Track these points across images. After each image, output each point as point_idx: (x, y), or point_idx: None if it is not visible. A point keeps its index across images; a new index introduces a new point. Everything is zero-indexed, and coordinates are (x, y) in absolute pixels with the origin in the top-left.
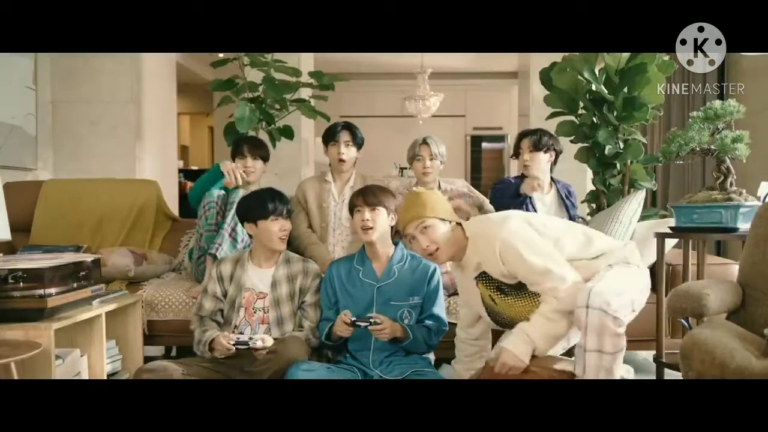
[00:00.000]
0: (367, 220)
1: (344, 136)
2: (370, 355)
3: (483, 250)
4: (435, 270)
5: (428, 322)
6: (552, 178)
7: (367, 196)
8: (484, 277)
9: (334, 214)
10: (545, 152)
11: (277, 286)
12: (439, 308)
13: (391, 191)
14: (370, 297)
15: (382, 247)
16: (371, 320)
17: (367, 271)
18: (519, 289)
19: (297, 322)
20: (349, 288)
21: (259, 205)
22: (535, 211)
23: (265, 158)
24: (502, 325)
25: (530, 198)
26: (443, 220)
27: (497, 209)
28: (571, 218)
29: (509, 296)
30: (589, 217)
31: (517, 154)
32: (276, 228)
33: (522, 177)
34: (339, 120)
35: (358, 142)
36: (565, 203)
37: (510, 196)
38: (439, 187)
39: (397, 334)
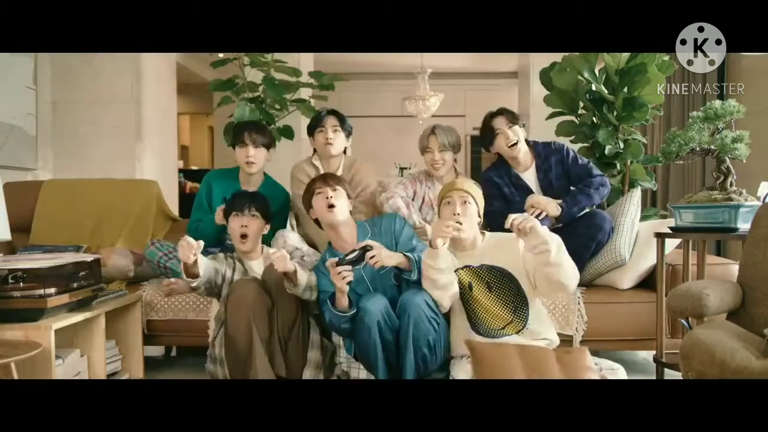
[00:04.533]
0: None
1: (331, 121)
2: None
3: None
4: (397, 217)
5: (412, 255)
6: (531, 148)
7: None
8: (473, 268)
9: None
10: (521, 126)
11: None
12: (416, 241)
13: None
14: (359, 276)
15: (347, 229)
16: (364, 248)
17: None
18: (505, 290)
19: None
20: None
21: (229, 202)
22: (532, 191)
23: (268, 146)
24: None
25: (523, 181)
26: (479, 214)
27: (494, 200)
28: (572, 182)
29: (492, 292)
30: None
31: (490, 139)
32: (236, 225)
33: (502, 161)
34: None
35: (346, 129)
36: (555, 171)
37: (507, 185)
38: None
39: (399, 261)
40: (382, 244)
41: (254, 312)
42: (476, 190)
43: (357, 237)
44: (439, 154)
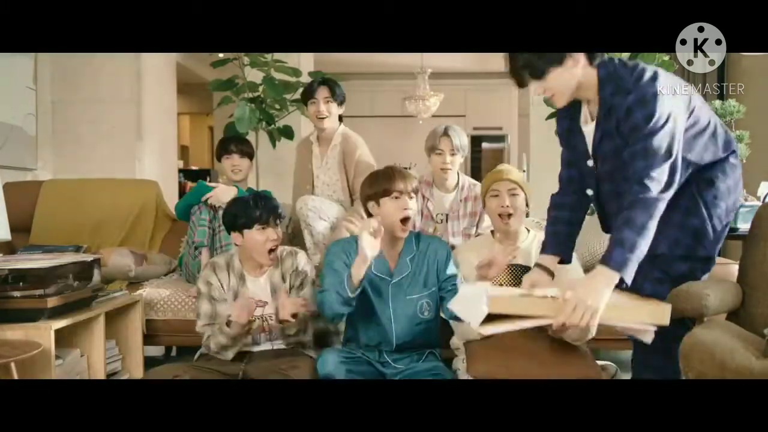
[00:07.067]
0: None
1: (323, 92)
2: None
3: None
4: (449, 253)
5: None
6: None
7: (408, 182)
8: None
9: (317, 177)
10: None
11: (278, 292)
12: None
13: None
14: (385, 293)
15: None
16: None
17: (380, 264)
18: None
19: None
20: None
21: (243, 213)
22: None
23: (251, 156)
24: None
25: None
26: (527, 205)
27: None
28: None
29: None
30: None
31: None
32: (262, 238)
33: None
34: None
35: (338, 99)
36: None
37: None
38: (458, 182)
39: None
40: (423, 273)
41: None
42: (523, 180)
43: (402, 251)
44: (451, 158)
